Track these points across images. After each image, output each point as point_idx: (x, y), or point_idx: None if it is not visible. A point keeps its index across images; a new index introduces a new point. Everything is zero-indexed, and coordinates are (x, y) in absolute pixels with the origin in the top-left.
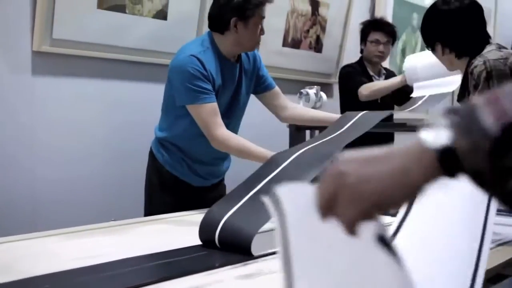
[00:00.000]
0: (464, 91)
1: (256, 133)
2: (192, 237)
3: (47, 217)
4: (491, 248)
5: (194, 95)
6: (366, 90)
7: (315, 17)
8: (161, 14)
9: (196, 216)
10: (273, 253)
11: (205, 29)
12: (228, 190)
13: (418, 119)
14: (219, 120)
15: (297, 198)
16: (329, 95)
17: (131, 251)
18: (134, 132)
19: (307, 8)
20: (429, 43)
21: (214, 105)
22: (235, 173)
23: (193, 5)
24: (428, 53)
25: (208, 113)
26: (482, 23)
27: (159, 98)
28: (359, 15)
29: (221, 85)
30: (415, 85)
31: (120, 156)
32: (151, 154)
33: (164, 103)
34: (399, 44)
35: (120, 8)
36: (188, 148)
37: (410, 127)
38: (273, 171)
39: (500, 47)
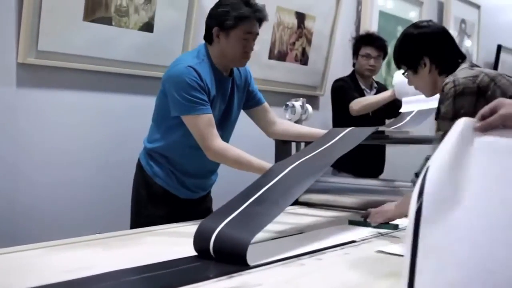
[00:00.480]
0: (439, 109)
1: (243, 145)
2: (179, 248)
3: (30, 230)
4: None
5: (191, 106)
6: (357, 105)
7: (301, 30)
8: (148, 27)
9: (183, 228)
10: (269, 263)
11: (192, 41)
12: (214, 203)
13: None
14: (215, 131)
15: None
16: (315, 107)
17: (118, 264)
18: (119, 144)
19: (293, 21)
20: (414, 62)
21: (210, 116)
22: (221, 186)
23: (179, 18)
24: None
25: (205, 124)
26: (455, 43)
27: (145, 110)
28: (345, 28)
29: (215, 97)
30: (403, 100)
31: (106, 169)
32: (139, 165)
33: (156, 114)
34: None
35: (106, 21)
36: (179, 160)
37: (397, 140)
38: (269, 182)
39: (472, 66)
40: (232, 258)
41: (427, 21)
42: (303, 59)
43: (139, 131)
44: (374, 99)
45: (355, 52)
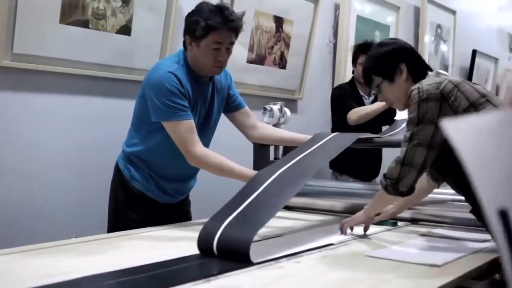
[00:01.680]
0: None
1: (221, 148)
2: (157, 252)
3: (5, 235)
4: (450, 262)
5: (172, 112)
6: (354, 115)
7: (279, 34)
8: (125, 30)
9: (160, 232)
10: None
11: (170, 44)
12: (193, 207)
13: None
14: (196, 137)
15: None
16: (293, 111)
17: (95, 268)
18: (96, 147)
19: (271, 25)
20: (391, 70)
21: (191, 122)
22: (199, 190)
23: (157, 21)
24: None
25: (186, 130)
26: (421, 57)
27: (123, 114)
28: (323, 32)
29: (196, 102)
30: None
31: (83, 172)
32: (117, 169)
33: (135, 118)
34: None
35: (83, 23)
36: (158, 164)
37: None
38: (257, 189)
39: (438, 74)
40: (236, 256)
41: (391, 39)
42: (282, 63)
43: (116, 135)
44: (370, 108)
45: (354, 60)
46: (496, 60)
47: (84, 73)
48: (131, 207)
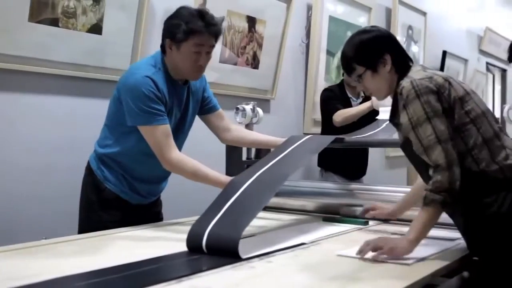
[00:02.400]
0: (394, 112)
1: (193, 149)
2: (129, 252)
3: None
4: (420, 260)
5: (148, 117)
6: (339, 117)
7: (252, 34)
8: (96, 29)
9: (133, 233)
10: (219, 266)
11: (141, 43)
12: (164, 207)
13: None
14: (172, 142)
15: None
16: (266, 110)
17: (66, 270)
18: (65, 147)
19: (244, 25)
20: (375, 60)
21: (167, 127)
22: (170, 190)
23: (129, 20)
24: None
25: (161, 134)
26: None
27: (93, 113)
28: (295, 33)
29: (171, 107)
30: (381, 109)
31: (51, 173)
32: (89, 169)
33: (109, 119)
34: (334, 61)
35: (53, 22)
36: (132, 166)
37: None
38: (236, 192)
39: (424, 68)
40: (225, 253)
41: (373, 27)
42: (254, 62)
43: (86, 134)
44: (355, 110)
45: None
46: (465, 61)
47: (54, 72)
48: (103, 207)
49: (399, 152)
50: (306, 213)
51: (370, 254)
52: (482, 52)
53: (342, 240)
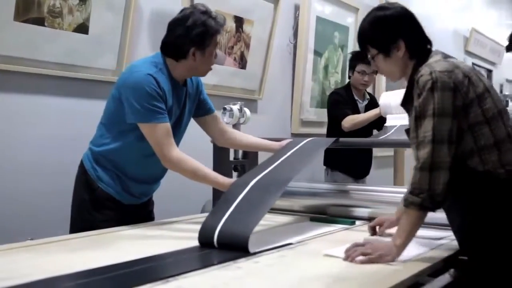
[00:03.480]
0: (408, 98)
1: (181, 149)
2: (119, 253)
3: None
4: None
5: (150, 114)
6: (348, 123)
7: (240, 34)
8: (82, 28)
9: (124, 232)
10: (205, 266)
11: (128, 44)
12: (156, 207)
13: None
14: (172, 140)
15: None
16: (253, 110)
17: (53, 270)
18: (53, 147)
19: (231, 25)
20: (388, 45)
21: (168, 125)
22: (161, 191)
23: (115, 20)
24: (401, 91)
25: (162, 133)
26: (421, 26)
27: (80, 112)
28: (283, 33)
29: (171, 106)
30: (388, 117)
31: (39, 172)
32: (82, 169)
33: (107, 118)
34: (321, 61)
35: (39, 21)
36: (128, 165)
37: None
38: (240, 194)
39: (446, 58)
40: (236, 247)
41: (390, 4)
42: (242, 63)
43: (73, 134)
44: (363, 117)
45: (352, 67)
46: None
47: (40, 72)
48: (95, 207)
49: (386, 152)
50: (293, 213)
51: (358, 258)
52: (468, 52)
53: (329, 240)
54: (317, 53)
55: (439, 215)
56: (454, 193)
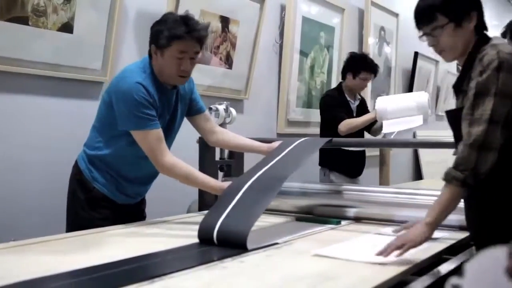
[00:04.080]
0: (463, 78)
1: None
2: (102, 254)
3: None
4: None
5: (141, 122)
6: (344, 127)
7: (226, 34)
8: (67, 27)
9: (114, 232)
10: (192, 266)
11: (113, 43)
12: (148, 207)
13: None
14: (164, 145)
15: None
16: (239, 110)
17: (37, 271)
18: (36, 147)
19: (217, 24)
20: (463, 13)
21: (159, 131)
22: (152, 190)
23: (100, 19)
24: (396, 96)
25: (154, 139)
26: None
27: (65, 112)
28: (269, 33)
29: (162, 111)
30: (384, 123)
31: (25, 172)
32: (77, 169)
33: (99, 122)
34: (307, 61)
35: (23, 20)
36: (122, 167)
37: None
38: (237, 195)
39: (510, 42)
40: (234, 245)
41: None
42: (228, 63)
43: (58, 134)
44: (359, 121)
45: (354, 72)
46: (436, 62)
47: (24, 72)
48: (91, 206)
49: (372, 152)
50: (279, 213)
51: (394, 253)
52: None
53: (315, 240)
54: (303, 53)
55: None
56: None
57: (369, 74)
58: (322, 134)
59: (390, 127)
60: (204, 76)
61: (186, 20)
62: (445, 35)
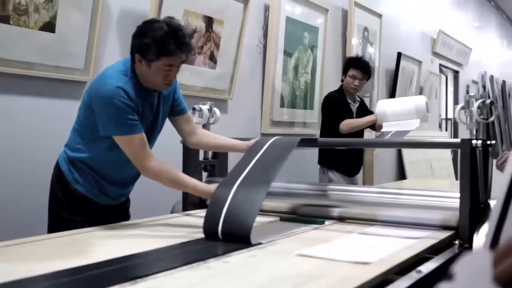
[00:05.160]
0: None
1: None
2: (85, 254)
3: None
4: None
5: (123, 128)
6: (345, 126)
7: (209, 34)
8: (49, 27)
9: (95, 234)
10: (175, 267)
11: (96, 42)
12: (132, 207)
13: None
14: (148, 150)
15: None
16: (223, 111)
17: (17, 273)
18: (17, 147)
19: (201, 24)
20: None
21: (142, 135)
22: (135, 190)
23: (83, 18)
24: (395, 100)
25: (138, 144)
26: None
27: (47, 112)
28: (253, 33)
29: (143, 113)
30: (384, 124)
31: (8, 173)
32: (58, 170)
33: (79, 124)
34: (291, 62)
35: (3, 19)
36: (103, 169)
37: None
38: (228, 196)
39: None
40: (238, 239)
41: None
42: (211, 62)
43: (39, 134)
44: (360, 122)
45: (345, 71)
46: (419, 62)
47: (5, 71)
48: (73, 208)
49: None
50: (263, 213)
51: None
52: (436, 54)
53: (299, 239)
54: (287, 54)
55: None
56: None
57: (357, 71)
58: (323, 135)
59: (388, 128)
60: (188, 76)
61: (174, 33)
62: None
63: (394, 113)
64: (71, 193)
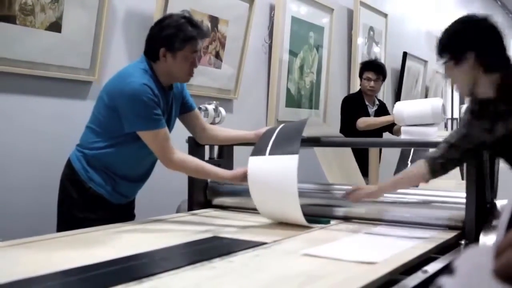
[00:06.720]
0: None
1: None
2: (89, 253)
3: None
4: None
5: (150, 123)
6: (362, 124)
7: (215, 34)
8: (55, 26)
9: (103, 232)
10: (180, 266)
11: (102, 42)
12: (138, 206)
13: None
14: (171, 144)
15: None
16: (229, 110)
17: (22, 273)
18: (24, 147)
19: (206, 24)
20: (459, 54)
21: (166, 129)
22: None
23: (89, 18)
24: (412, 101)
25: (162, 138)
26: (503, 43)
27: (53, 112)
28: (258, 33)
29: (163, 111)
30: (403, 130)
31: (8, 173)
32: (71, 169)
33: (96, 124)
34: (297, 61)
35: (10, 19)
36: (120, 166)
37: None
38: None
39: None
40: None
41: (474, 17)
42: (217, 62)
43: (46, 134)
44: (377, 121)
45: (360, 75)
46: (425, 62)
47: (11, 71)
48: (87, 206)
49: None
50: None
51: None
52: None
53: (304, 239)
54: (292, 53)
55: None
56: None
57: (371, 73)
58: (341, 131)
59: (407, 135)
60: (193, 76)
61: (191, 20)
62: (448, 71)
63: (411, 114)
64: (85, 192)
